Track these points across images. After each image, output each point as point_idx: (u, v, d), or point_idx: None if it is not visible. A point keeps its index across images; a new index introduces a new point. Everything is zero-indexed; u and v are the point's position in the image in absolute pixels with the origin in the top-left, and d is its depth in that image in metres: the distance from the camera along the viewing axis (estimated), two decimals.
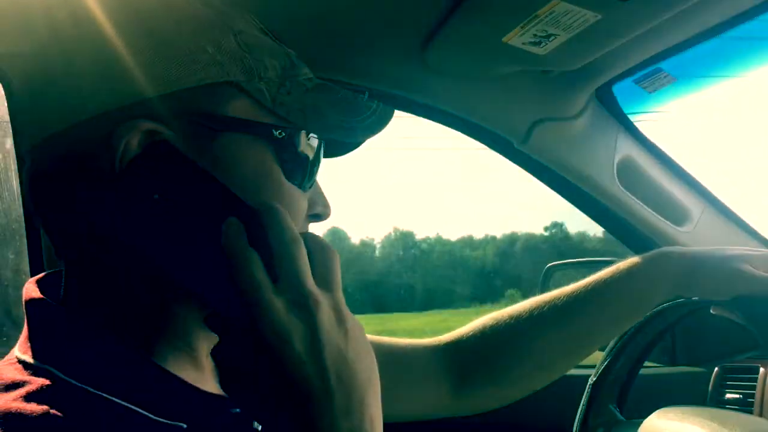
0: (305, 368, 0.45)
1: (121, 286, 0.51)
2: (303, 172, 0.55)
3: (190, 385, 0.51)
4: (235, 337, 0.47)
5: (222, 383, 0.57)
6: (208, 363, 0.56)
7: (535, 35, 0.94)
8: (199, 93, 0.50)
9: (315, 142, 0.56)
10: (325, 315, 0.47)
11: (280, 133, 0.52)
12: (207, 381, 0.55)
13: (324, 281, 0.48)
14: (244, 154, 0.51)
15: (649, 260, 0.81)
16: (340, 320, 0.48)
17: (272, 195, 0.52)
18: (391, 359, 0.81)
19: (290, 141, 0.53)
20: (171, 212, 0.48)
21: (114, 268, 0.50)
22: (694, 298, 0.79)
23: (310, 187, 0.57)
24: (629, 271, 0.81)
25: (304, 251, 0.48)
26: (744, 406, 1.29)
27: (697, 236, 1.29)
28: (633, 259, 0.82)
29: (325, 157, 0.59)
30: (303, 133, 0.55)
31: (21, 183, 1.17)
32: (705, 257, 0.78)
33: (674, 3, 0.83)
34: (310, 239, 0.50)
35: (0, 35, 0.57)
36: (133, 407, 0.47)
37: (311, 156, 0.56)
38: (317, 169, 0.57)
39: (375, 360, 0.50)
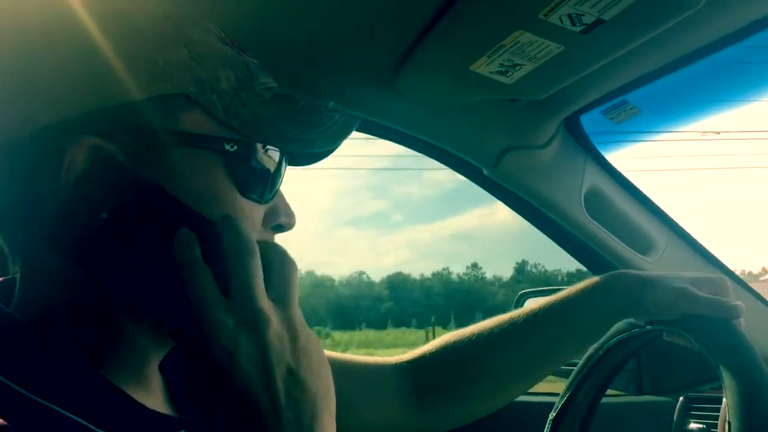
0: (253, 386, 0.45)
1: (72, 299, 0.50)
2: (262, 184, 0.54)
3: (136, 401, 0.50)
4: (187, 352, 0.47)
5: (174, 396, 0.56)
6: (156, 381, 0.56)
7: (501, 64, 0.95)
8: (148, 106, 0.49)
9: (276, 154, 0.55)
10: (275, 333, 0.46)
11: (231, 146, 0.51)
12: (155, 399, 0.55)
13: (279, 294, 0.48)
14: (194, 167, 0.51)
15: (604, 281, 0.84)
16: (293, 337, 0.47)
17: (224, 208, 0.51)
18: (350, 375, 0.81)
19: (243, 154, 0.52)
20: (121, 228, 0.47)
21: (66, 280, 0.50)
22: (647, 327, 0.80)
23: (270, 199, 0.56)
24: (584, 292, 0.84)
25: (258, 263, 0.47)
26: None
27: (662, 265, 1.31)
28: (589, 280, 0.85)
29: (292, 165, 0.59)
30: (259, 145, 0.54)
31: None
32: (654, 278, 0.80)
33: (634, 36, 0.84)
34: (269, 249, 0.49)
35: None
36: (74, 417, 0.46)
37: (272, 168, 0.55)
38: (279, 181, 0.56)
39: (330, 375, 0.49)
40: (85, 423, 0.46)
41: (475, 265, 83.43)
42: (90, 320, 0.50)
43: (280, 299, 0.48)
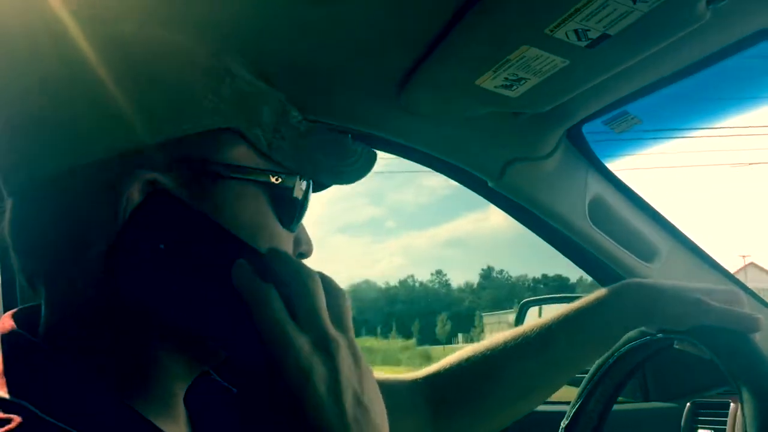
0: (326, 410, 0.45)
1: (107, 328, 0.50)
2: (295, 214, 0.56)
3: (161, 430, 0.50)
4: (252, 381, 0.47)
5: (197, 429, 0.57)
6: (181, 412, 0.56)
7: (506, 79, 0.96)
8: (199, 140, 0.50)
9: (304, 184, 0.57)
10: (345, 357, 0.47)
11: (276, 179, 0.53)
12: (178, 430, 0.55)
13: (338, 322, 0.48)
14: (241, 200, 0.52)
15: (614, 291, 0.85)
16: (356, 362, 0.48)
17: (269, 239, 0.52)
18: None
19: (285, 186, 0.54)
20: (177, 261, 0.48)
21: (102, 309, 0.50)
22: (658, 335, 0.81)
23: (297, 228, 0.57)
24: (595, 303, 0.85)
25: (321, 288, 0.48)
26: None
27: (665, 272, 1.32)
28: (599, 292, 0.86)
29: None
30: (297, 177, 0.55)
31: None
32: (665, 287, 0.81)
33: (638, 50, 0.86)
34: (322, 280, 0.49)
35: None
36: None
37: (301, 197, 0.56)
38: (305, 211, 0.58)
39: (383, 404, 0.50)
40: None
41: (439, 272, 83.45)
42: (124, 352, 0.50)
43: (340, 326, 0.48)
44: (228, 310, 0.47)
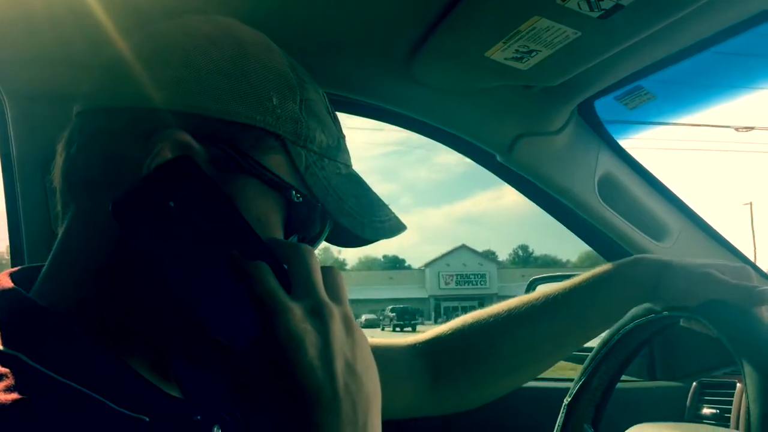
0: (316, 375, 0.46)
1: (109, 285, 0.51)
2: (300, 236, 0.57)
3: (156, 386, 0.52)
4: (242, 348, 0.47)
5: (185, 389, 0.57)
6: (172, 371, 0.57)
7: (517, 50, 0.95)
8: (246, 131, 0.52)
9: (326, 223, 0.58)
10: (337, 325, 0.48)
11: (298, 198, 0.54)
12: (170, 388, 0.55)
13: (334, 294, 0.50)
14: (257, 199, 0.53)
15: (623, 265, 0.84)
16: (349, 331, 0.49)
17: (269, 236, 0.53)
18: None
19: (303, 208, 0.55)
20: (183, 223, 0.48)
21: (108, 265, 0.51)
22: (663, 313, 0.80)
23: None
24: (603, 275, 0.84)
25: (317, 262, 0.50)
26: (721, 421, 1.30)
27: (676, 252, 1.31)
28: (608, 265, 0.85)
29: (326, 241, 0.62)
30: (318, 208, 0.56)
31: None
32: (676, 263, 0.80)
33: (651, 22, 0.84)
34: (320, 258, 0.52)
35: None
36: (97, 396, 0.47)
37: (316, 232, 0.58)
38: (315, 244, 0.59)
39: (377, 373, 0.51)
40: (108, 402, 0.47)
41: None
42: (121, 309, 0.51)
43: (335, 298, 0.50)
44: (221, 281, 0.48)
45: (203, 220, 0.49)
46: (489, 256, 63.60)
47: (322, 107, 0.57)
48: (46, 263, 0.54)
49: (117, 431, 0.47)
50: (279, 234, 0.54)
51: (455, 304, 50.96)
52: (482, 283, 54.58)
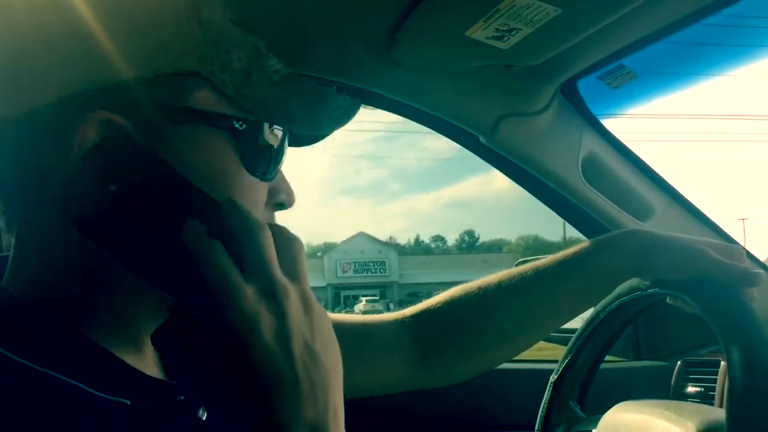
0: (273, 356, 0.45)
1: (70, 271, 0.50)
2: (266, 162, 0.55)
3: (133, 367, 0.51)
4: (199, 328, 0.47)
5: (167, 366, 0.56)
6: (149, 351, 0.56)
7: (497, 29, 0.94)
8: (160, 83, 0.49)
9: (280, 132, 0.56)
10: (293, 304, 0.47)
11: (241, 125, 0.52)
12: (149, 368, 0.55)
13: (290, 271, 0.49)
14: (204, 145, 0.51)
15: (615, 236, 0.84)
16: (307, 309, 0.48)
17: (230, 186, 0.52)
18: (351, 335, 0.81)
19: (251, 133, 0.53)
20: (129, 203, 0.47)
21: (67, 253, 0.50)
22: (649, 291, 0.79)
23: (273, 177, 0.57)
24: (595, 246, 0.83)
25: (270, 238, 0.48)
26: (705, 399, 1.32)
27: (659, 231, 1.31)
28: (600, 237, 0.84)
29: (291, 145, 0.59)
30: (266, 124, 0.54)
31: None
32: (668, 235, 0.80)
33: None
34: (275, 230, 0.49)
35: None
36: (75, 382, 0.46)
37: (276, 145, 0.55)
38: (281, 159, 0.57)
39: (339, 350, 0.50)
40: (87, 388, 0.46)
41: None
42: (89, 292, 0.50)
43: (291, 275, 0.48)
44: (175, 259, 0.47)
45: (150, 194, 0.48)
46: (389, 243, 62.92)
47: (225, 21, 0.53)
48: (11, 254, 0.53)
49: (98, 416, 0.46)
50: (240, 177, 0.53)
51: (355, 292, 48.93)
52: (382, 270, 52.63)
